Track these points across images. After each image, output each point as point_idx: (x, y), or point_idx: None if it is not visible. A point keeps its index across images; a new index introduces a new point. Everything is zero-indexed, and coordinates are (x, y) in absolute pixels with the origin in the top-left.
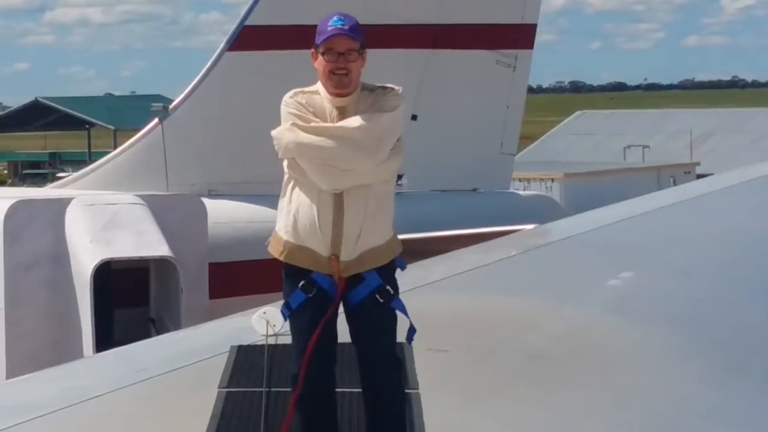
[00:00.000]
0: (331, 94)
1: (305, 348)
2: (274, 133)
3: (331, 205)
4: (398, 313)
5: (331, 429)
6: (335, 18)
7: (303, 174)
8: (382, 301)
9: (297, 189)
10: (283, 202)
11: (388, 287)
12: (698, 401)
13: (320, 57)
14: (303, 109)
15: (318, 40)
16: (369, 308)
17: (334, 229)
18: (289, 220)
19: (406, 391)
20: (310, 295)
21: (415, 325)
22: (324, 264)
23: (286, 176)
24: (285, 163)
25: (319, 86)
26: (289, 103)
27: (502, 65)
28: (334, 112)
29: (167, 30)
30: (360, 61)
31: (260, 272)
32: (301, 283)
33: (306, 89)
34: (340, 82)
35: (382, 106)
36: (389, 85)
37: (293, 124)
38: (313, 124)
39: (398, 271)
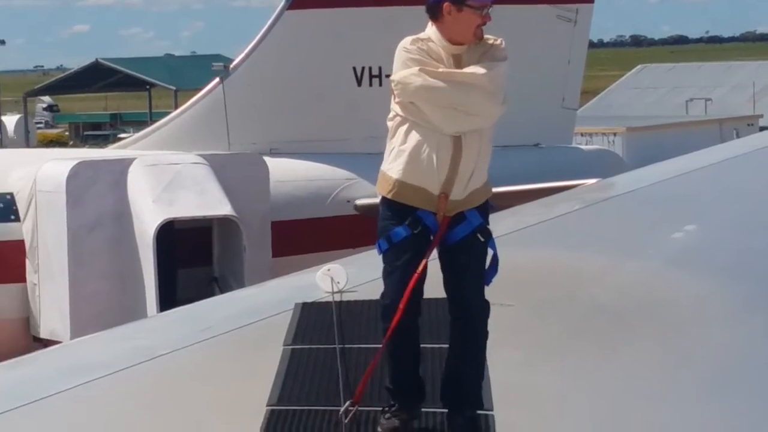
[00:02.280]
0: (469, 43)
1: (401, 281)
2: (396, 77)
3: (450, 146)
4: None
5: (415, 357)
6: None
7: (422, 117)
8: (482, 239)
9: (413, 131)
10: (393, 143)
11: (486, 226)
12: (764, 354)
13: (467, 10)
14: (425, 56)
15: None
16: (469, 246)
17: (450, 169)
18: (402, 159)
19: None
20: (415, 231)
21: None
22: (433, 202)
23: (397, 119)
24: (397, 107)
25: (430, 34)
26: (411, 50)
27: (563, 20)
28: (450, 60)
29: None
30: None
31: (322, 230)
32: (409, 219)
33: (421, 36)
34: (482, 33)
35: (495, 55)
36: (492, 37)
37: (422, 69)
38: (441, 69)
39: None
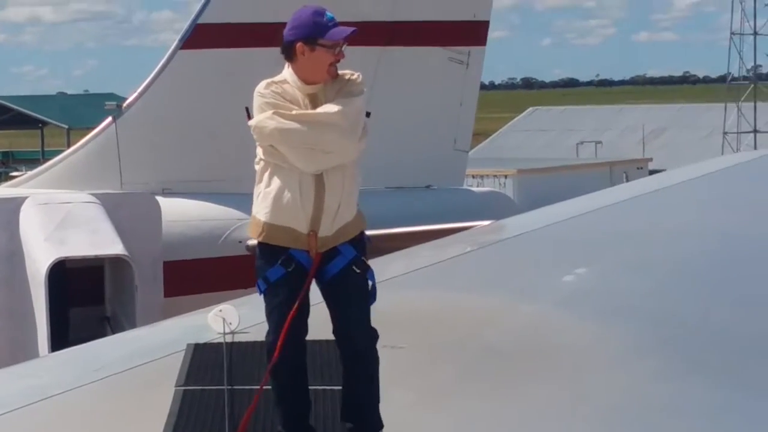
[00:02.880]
0: (323, 81)
1: (281, 320)
2: (253, 122)
3: (312, 185)
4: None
5: (304, 396)
6: (328, 13)
7: (282, 159)
8: (358, 271)
9: (276, 173)
10: (260, 188)
11: (362, 258)
12: (653, 396)
13: (320, 49)
14: (280, 98)
15: (319, 34)
16: (347, 279)
17: (315, 207)
18: (268, 201)
19: None
20: (289, 270)
21: (372, 318)
22: (302, 241)
23: (261, 163)
24: (260, 151)
25: (286, 76)
26: (265, 93)
27: (454, 62)
28: (306, 100)
29: (119, 28)
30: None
31: (214, 270)
32: (281, 258)
33: (276, 79)
34: (336, 71)
35: (351, 91)
36: (348, 72)
37: (275, 112)
38: (294, 111)
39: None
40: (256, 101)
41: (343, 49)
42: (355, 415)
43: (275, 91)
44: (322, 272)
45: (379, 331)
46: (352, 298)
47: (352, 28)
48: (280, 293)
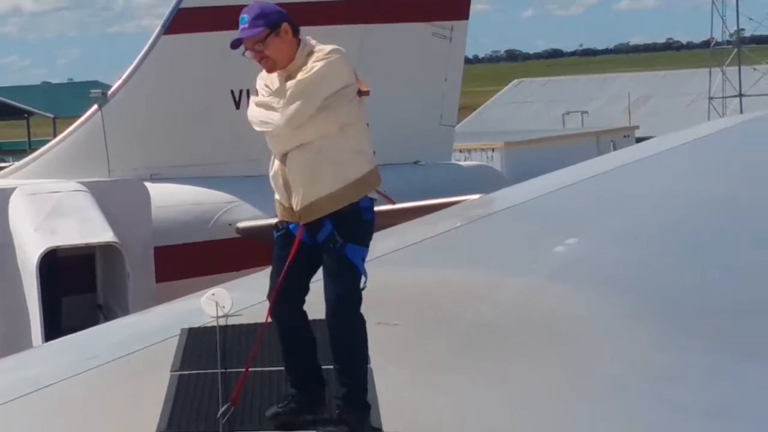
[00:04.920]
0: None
1: (273, 271)
2: None
3: (279, 163)
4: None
5: (298, 351)
6: (241, 16)
7: None
8: (331, 246)
9: None
10: None
11: (335, 234)
12: (651, 364)
13: None
14: (259, 83)
15: None
16: (325, 252)
17: (285, 184)
18: None
19: None
20: (279, 233)
21: (365, 293)
22: (288, 213)
23: None
24: None
25: None
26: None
27: (438, 37)
28: (284, 80)
29: (101, 16)
30: (275, 41)
31: (205, 254)
32: (275, 222)
33: None
34: (267, 67)
35: (304, 69)
36: (322, 47)
37: (251, 97)
38: (252, 97)
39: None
40: None
41: (250, 52)
42: (338, 391)
43: (260, 75)
44: (312, 241)
45: (372, 309)
46: (326, 271)
47: (235, 39)
48: (276, 254)
